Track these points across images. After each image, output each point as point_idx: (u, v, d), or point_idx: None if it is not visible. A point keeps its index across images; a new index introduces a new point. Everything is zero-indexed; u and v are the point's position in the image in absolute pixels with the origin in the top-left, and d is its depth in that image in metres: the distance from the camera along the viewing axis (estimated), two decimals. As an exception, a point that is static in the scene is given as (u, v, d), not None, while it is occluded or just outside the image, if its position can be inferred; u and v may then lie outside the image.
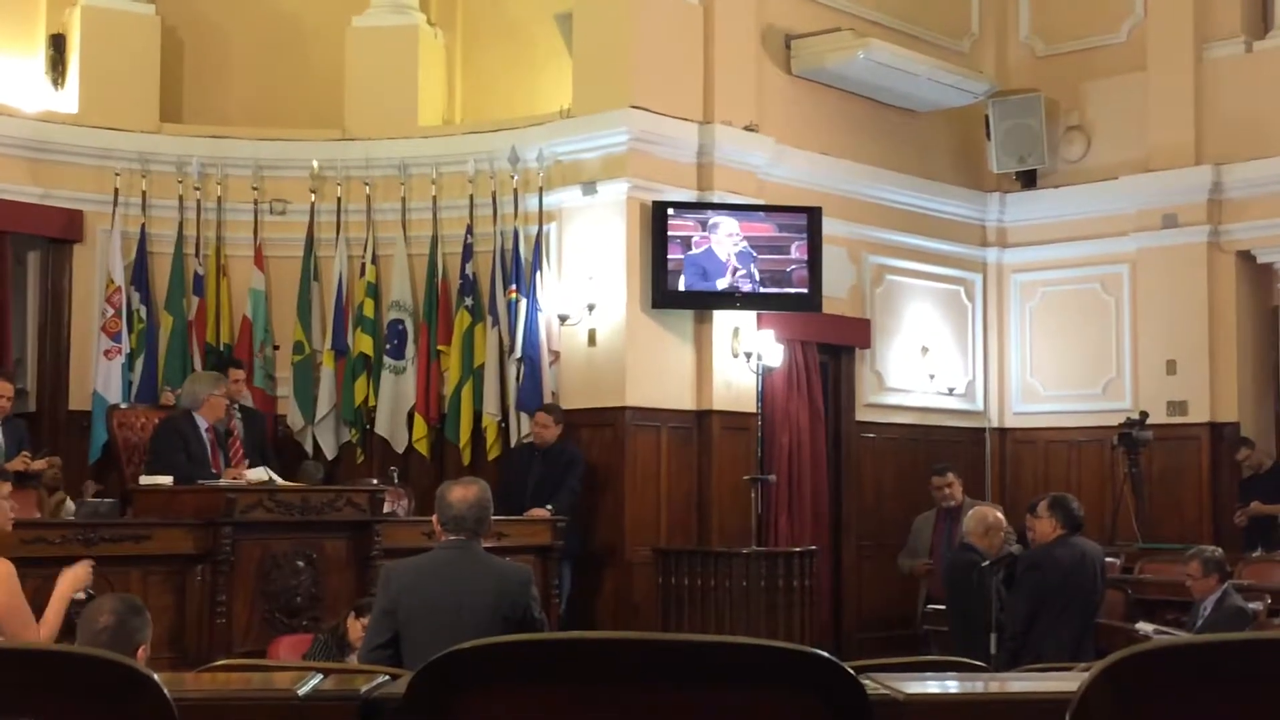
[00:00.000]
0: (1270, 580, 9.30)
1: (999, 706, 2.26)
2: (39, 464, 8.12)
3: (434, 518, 5.05)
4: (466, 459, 10.34)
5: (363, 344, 10.65)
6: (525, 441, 10.02)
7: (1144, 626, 7.35)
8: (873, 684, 2.28)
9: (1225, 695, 1.82)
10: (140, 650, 3.75)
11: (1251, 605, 7.90)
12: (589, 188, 10.31)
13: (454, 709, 1.74)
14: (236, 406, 9.21)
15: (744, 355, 10.62)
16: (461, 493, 5.01)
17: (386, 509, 8.55)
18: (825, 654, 1.81)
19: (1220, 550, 8.22)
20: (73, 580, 5.22)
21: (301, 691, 2.11)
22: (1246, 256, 11.81)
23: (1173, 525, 11.17)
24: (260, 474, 8.22)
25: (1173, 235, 11.91)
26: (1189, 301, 11.82)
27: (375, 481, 9.10)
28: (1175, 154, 11.93)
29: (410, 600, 4.83)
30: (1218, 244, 11.81)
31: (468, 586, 4.85)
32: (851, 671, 1.82)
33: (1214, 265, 11.80)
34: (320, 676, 2.29)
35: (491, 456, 10.34)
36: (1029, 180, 12.86)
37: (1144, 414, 11.30)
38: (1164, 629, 7.25)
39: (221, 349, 10.53)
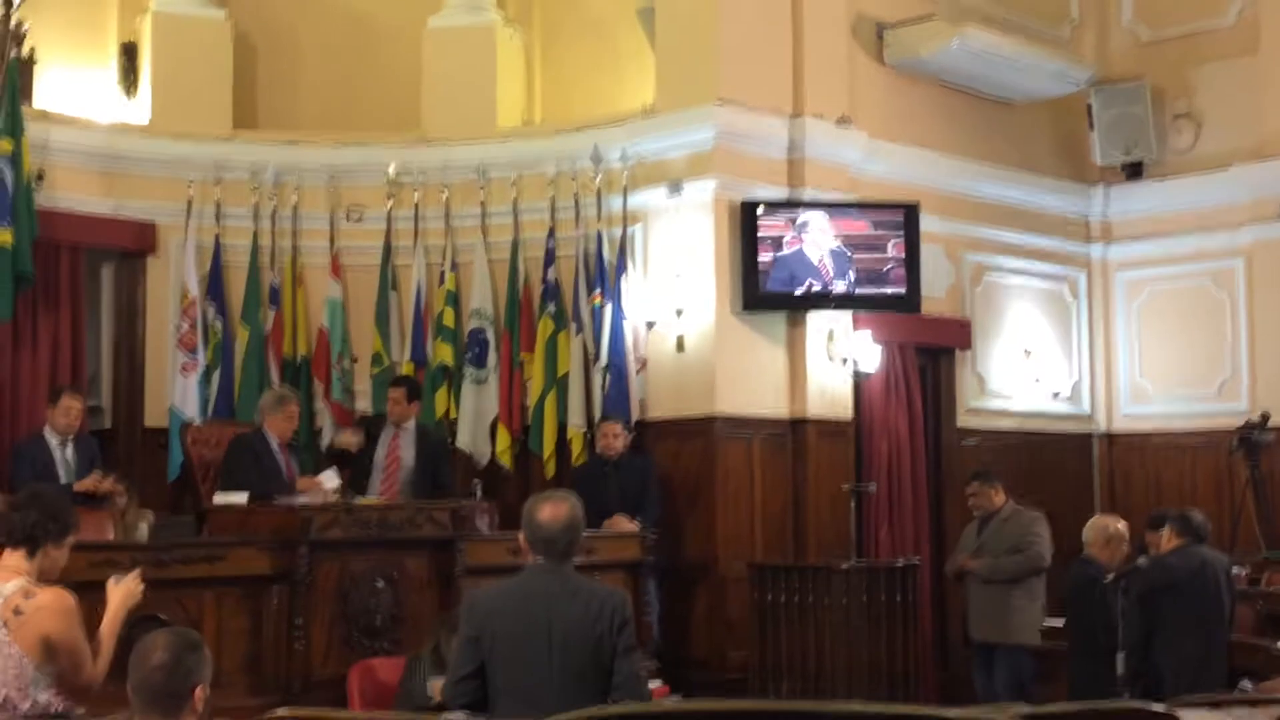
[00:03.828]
0: None
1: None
2: (108, 484, 7.81)
3: (520, 536, 4.65)
4: (551, 471, 9.97)
5: (443, 354, 10.30)
6: (596, 456, 9.60)
7: (1288, 647, 6.81)
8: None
9: None
10: (197, 690, 3.38)
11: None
12: (675, 187, 9.89)
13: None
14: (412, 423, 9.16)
15: (839, 359, 10.16)
16: (552, 511, 4.60)
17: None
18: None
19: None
20: (124, 597, 4.86)
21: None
22: (1370, 245, 11.18)
23: (1299, 532, 10.56)
24: (332, 477, 7.92)
25: (1289, 225, 11.30)
26: (1308, 296, 11.21)
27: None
28: (1291, 139, 11.32)
29: (496, 628, 4.43)
30: (1339, 233, 11.19)
31: (558, 613, 4.44)
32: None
33: (1335, 257, 11.18)
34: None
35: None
36: (1135, 172, 12.28)
37: (1265, 415, 10.69)
38: (1310, 648, 6.71)
39: (299, 362, 10.23)
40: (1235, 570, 9.13)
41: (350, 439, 9.22)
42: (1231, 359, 11.74)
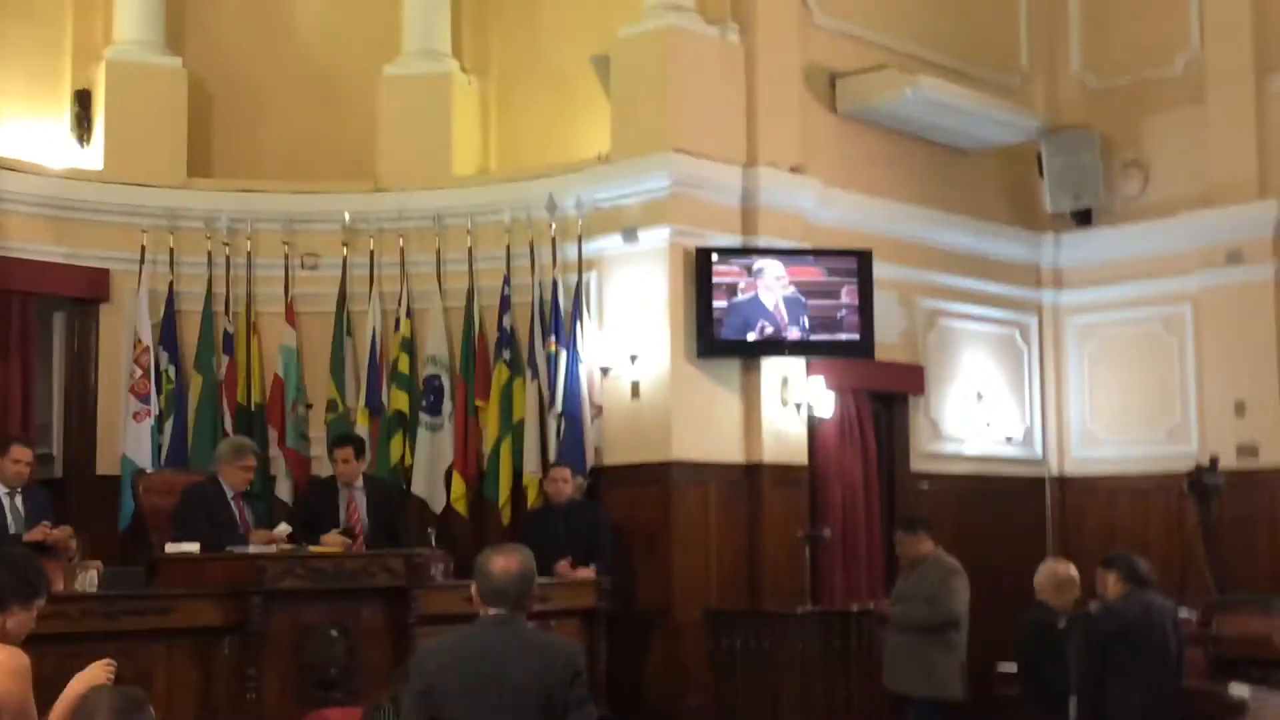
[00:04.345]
0: (1359, 633, 8.76)
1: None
2: (58, 533, 7.75)
3: (472, 587, 4.63)
4: (506, 518, 9.95)
5: (398, 401, 10.28)
6: (545, 502, 9.60)
7: (1238, 689, 6.86)
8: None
9: None
10: (144, 750, 3.35)
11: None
12: (630, 235, 9.95)
13: None
14: (362, 479, 8.97)
15: (794, 405, 10.20)
16: (504, 563, 4.58)
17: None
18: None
19: (1311, 603, 7.73)
20: (87, 683, 4.79)
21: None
22: (1316, 291, 11.32)
23: (1250, 575, 10.62)
24: (283, 529, 7.89)
25: (1237, 272, 11.42)
26: (1256, 340, 11.33)
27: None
28: (1238, 188, 11.46)
29: (447, 682, 4.39)
30: (1286, 279, 11.32)
31: (509, 666, 4.41)
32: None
33: (1282, 301, 11.31)
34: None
35: (533, 516, 9.93)
36: (1085, 219, 12.42)
37: (1214, 458, 10.77)
38: (1261, 691, 6.76)
39: (253, 409, 10.18)
40: (1186, 614, 9.21)
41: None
42: (1181, 403, 11.85)
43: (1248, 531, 11.03)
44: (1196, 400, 11.74)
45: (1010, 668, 8.49)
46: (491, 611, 4.57)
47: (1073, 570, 7.76)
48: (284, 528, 8.11)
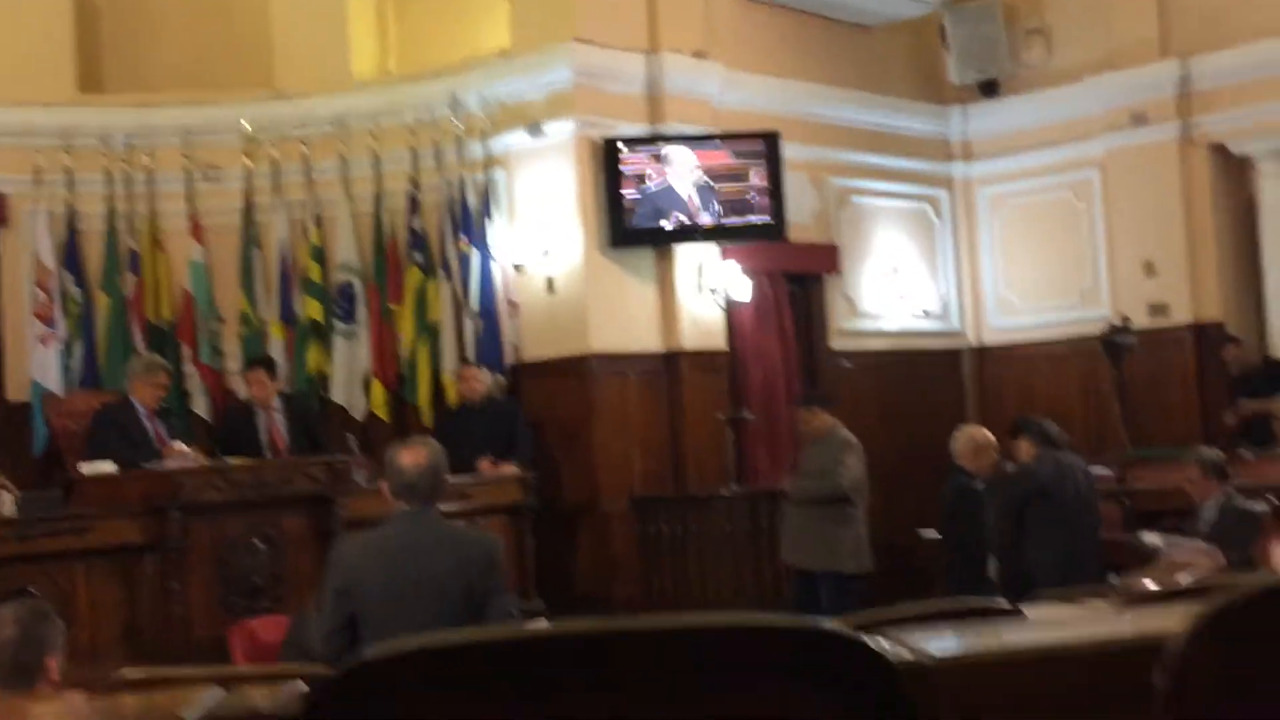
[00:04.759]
0: (1269, 479, 8.94)
1: (1047, 661, 1.85)
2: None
3: (382, 484, 4.62)
4: (428, 420, 9.91)
5: (311, 310, 10.18)
6: (460, 402, 9.57)
7: (1149, 537, 7.00)
8: (889, 643, 1.87)
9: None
10: (51, 661, 3.32)
11: (1256, 506, 7.55)
12: (535, 129, 9.84)
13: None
14: (278, 399, 8.83)
15: (710, 291, 10.20)
16: (412, 457, 4.57)
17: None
18: (830, 628, 1.39)
19: (1218, 451, 7.87)
20: None
21: (189, 718, 1.68)
22: (1220, 150, 11.41)
23: (1162, 430, 10.81)
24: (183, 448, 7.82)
25: (1143, 134, 11.49)
26: (1164, 200, 11.43)
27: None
28: (1140, 50, 11.49)
29: (364, 578, 4.40)
30: (1189, 139, 11.39)
31: (426, 560, 4.41)
32: (873, 646, 1.40)
33: (1187, 161, 11.39)
34: (220, 693, 1.85)
35: (456, 416, 9.91)
36: (990, 89, 12.42)
37: (1126, 319, 10.92)
38: (1170, 538, 6.90)
39: (165, 327, 10.04)
40: (1103, 471, 9.38)
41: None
42: (1092, 266, 11.96)
43: (1160, 388, 11.20)
44: (1107, 263, 11.85)
45: (933, 534, 8.63)
46: (404, 506, 4.56)
47: (989, 435, 7.86)
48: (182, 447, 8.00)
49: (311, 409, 9.48)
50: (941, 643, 1.92)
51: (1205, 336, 11.29)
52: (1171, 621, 1.50)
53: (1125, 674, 1.65)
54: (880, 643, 1.84)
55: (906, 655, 1.78)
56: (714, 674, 1.34)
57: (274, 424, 8.79)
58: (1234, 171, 11.55)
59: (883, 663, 1.41)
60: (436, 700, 1.32)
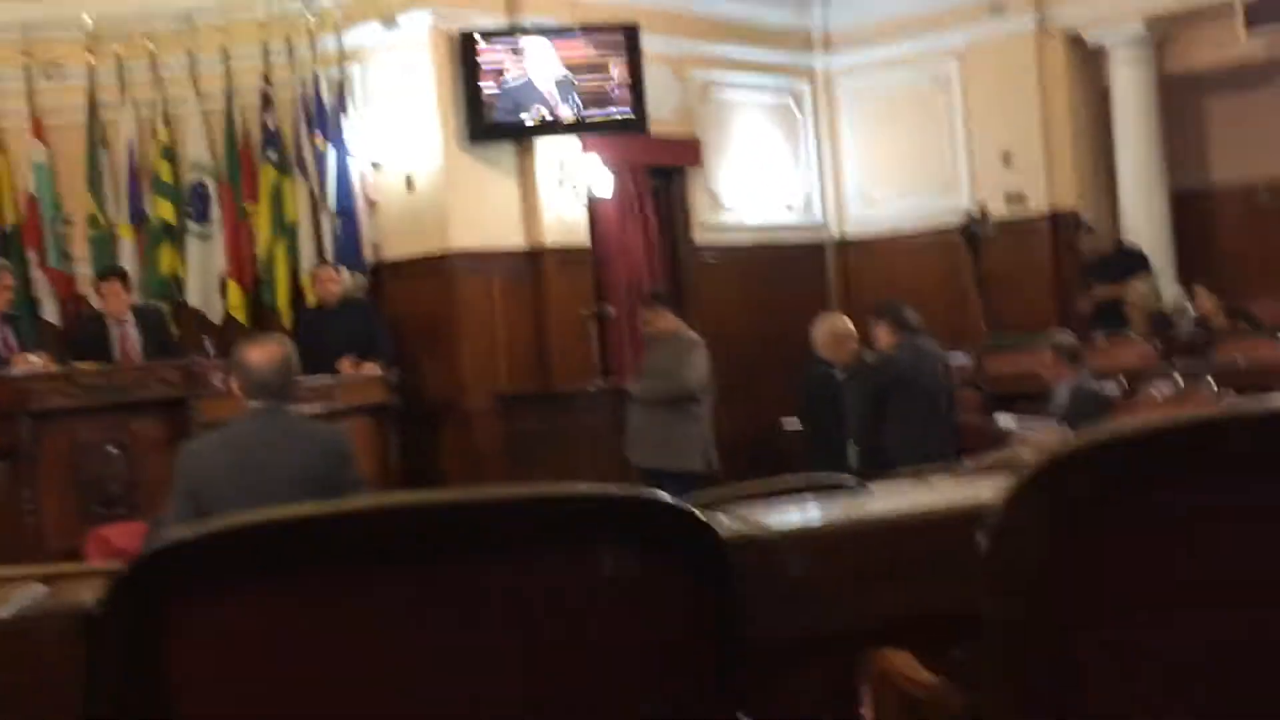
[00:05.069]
0: (1120, 362, 9.16)
1: (887, 530, 1.86)
2: None
3: (233, 382, 4.53)
4: (287, 322, 9.74)
5: (162, 210, 9.91)
6: (316, 303, 9.43)
7: (1003, 419, 7.14)
8: (731, 519, 1.86)
9: (1177, 488, 1.43)
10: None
11: (1107, 387, 7.73)
12: (389, 22, 9.64)
13: (171, 616, 1.27)
14: (130, 311, 8.53)
15: (571, 186, 10.12)
16: (261, 353, 4.48)
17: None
18: (656, 494, 1.37)
19: (1072, 336, 8.02)
20: None
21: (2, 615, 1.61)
22: (1075, 40, 11.52)
23: (1020, 317, 10.97)
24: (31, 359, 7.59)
25: (1000, 24, 11.56)
26: (1021, 90, 11.54)
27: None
28: (996, -62, 11.53)
29: (213, 478, 4.32)
30: (1045, 28, 11.49)
31: (277, 457, 4.35)
32: (695, 512, 1.38)
33: (1043, 50, 11.49)
34: (41, 590, 1.78)
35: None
36: (854, -20, 12.38)
37: (984, 209, 11.05)
38: (1024, 420, 7.04)
39: (8, 230, 9.72)
40: (961, 358, 9.53)
41: None
42: (951, 157, 12.05)
43: (1017, 276, 11.37)
44: (966, 154, 11.95)
45: (795, 423, 8.72)
46: (255, 404, 4.48)
47: (849, 324, 7.92)
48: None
49: (165, 322, 9.22)
50: (780, 517, 1.91)
51: (1061, 225, 11.47)
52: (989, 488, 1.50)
53: (955, 540, 1.65)
54: (713, 515, 1.83)
55: (742, 528, 1.76)
56: (540, 542, 1.31)
57: (127, 337, 8.55)
58: (1089, 61, 11.68)
59: (709, 532, 1.39)
60: (251, 581, 1.27)
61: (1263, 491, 1.49)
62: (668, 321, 8.46)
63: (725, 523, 1.86)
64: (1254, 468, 1.49)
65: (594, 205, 10.38)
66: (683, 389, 8.19)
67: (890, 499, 2.21)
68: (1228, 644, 1.50)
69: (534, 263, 9.97)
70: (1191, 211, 11.83)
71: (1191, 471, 1.43)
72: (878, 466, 6.74)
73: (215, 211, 9.97)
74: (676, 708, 1.46)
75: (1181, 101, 11.77)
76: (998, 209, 11.24)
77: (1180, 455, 1.46)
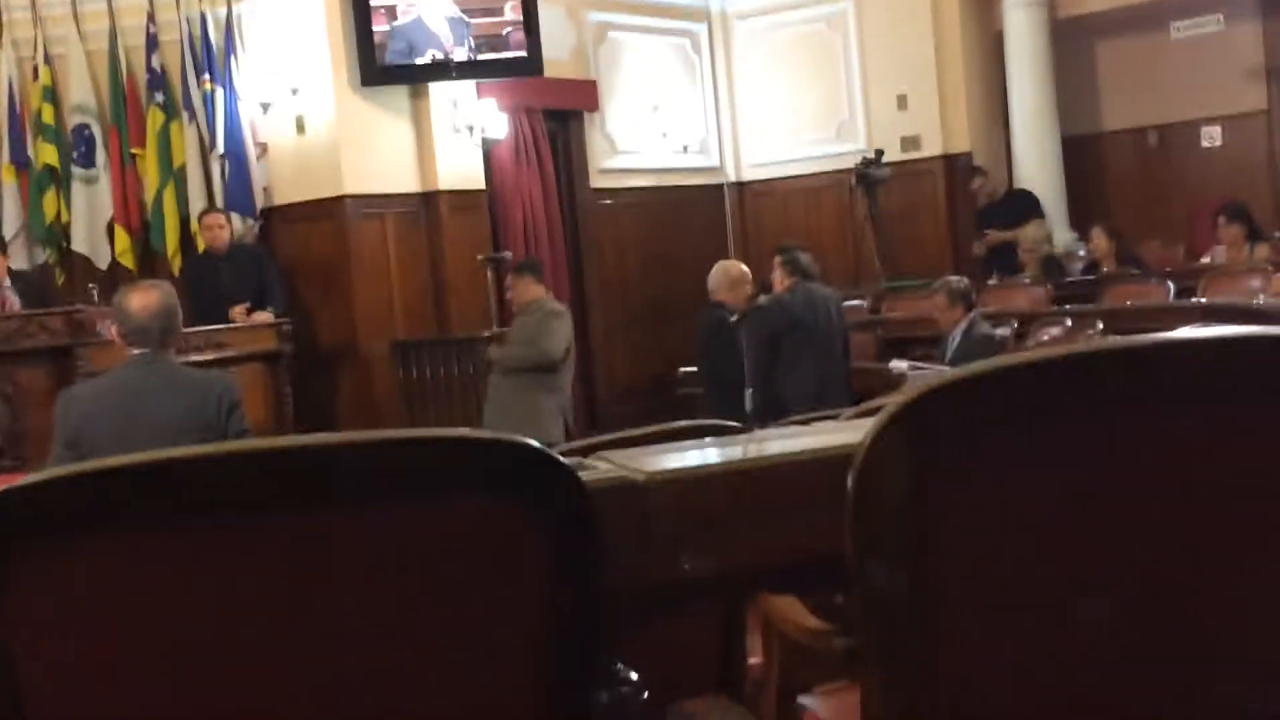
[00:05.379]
0: (1013, 305, 9.27)
1: (762, 474, 1.85)
2: None
3: (113, 329, 4.43)
4: (176, 268, 9.55)
5: (46, 154, 9.63)
6: (205, 250, 9.26)
7: (897, 364, 7.19)
8: (607, 465, 1.84)
9: (1039, 425, 1.42)
10: None
11: (999, 331, 7.81)
12: (277, -40, 9.43)
13: (8, 570, 1.22)
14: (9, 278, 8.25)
15: (466, 128, 10.00)
16: (142, 299, 4.38)
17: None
18: (513, 438, 1.34)
19: (965, 280, 8.09)
20: None
21: None
22: (969, -18, 11.57)
23: (915, 261, 11.07)
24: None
25: (895, -34, 11.58)
26: (915, 33, 11.57)
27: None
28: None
29: (93, 428, 4.23)
30: (940, -29, 11.52)
31: (161, 404, 4.26)
32: (554, 455, 1.36)
33: (938, -7, 11.53)
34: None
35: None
36: (750, -79, 12.33)
37: (879, 152, 11.09)
38: (917, 364, 7.10)
39: (-116, 174, 9.43)
40: (858, 302, 9.58)
41: None
42: (848, 100, 12.07)
43: (913, 220, 11.46)
44: (862, 97, 11.97)
45: (692, 369, 8.72)
46: (136, 352, 4.38)
47: (744, 268, 7.92)
48: None
49: (45, 288, 8.96)
50: (655, 460, 1.90)
51: (954, 168, 11.55)
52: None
53: (829, 480, 1.65)
54: (581, 460, 1.81)
55: (614, 472, 1.74)
56: (390, 489, 1.28)
57: (7, 299, 8.30)
58: (983, 5, 11.73)
59: (568, 475, 1.37)
60: (85, 532, 1.23)
61: (1125, 426, 1.49)
62: (532, 290, 8.27)
63: (599, 467, 1.84)
64: (1112, 403, 1.49)
65: (489, 149, 10.28)
66: (544, 357, 8.04)
67: (768, 442, 2.21)
68: (1093, 582, 1.51)
69: (429, 207, 9.86)
70: (1083, 155, 11.98)
71: (1053, 409, 1.43)
72: (774, 411, 6.77)
73: (101, 155, 9.73)
74: (545, 656, 1.44)
75: (1073, 46, 11.88)
76: (893, 152, 11.29)
77: (1041, 392, 1.46)
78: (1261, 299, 7.40)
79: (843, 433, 2.32)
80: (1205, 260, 9.68)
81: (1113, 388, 1.48)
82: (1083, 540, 1.48)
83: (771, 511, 1.86)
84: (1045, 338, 6.51)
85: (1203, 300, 7.81)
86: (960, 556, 1.41)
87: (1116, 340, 1.49)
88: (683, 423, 2.67)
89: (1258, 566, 1.55)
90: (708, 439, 2.39)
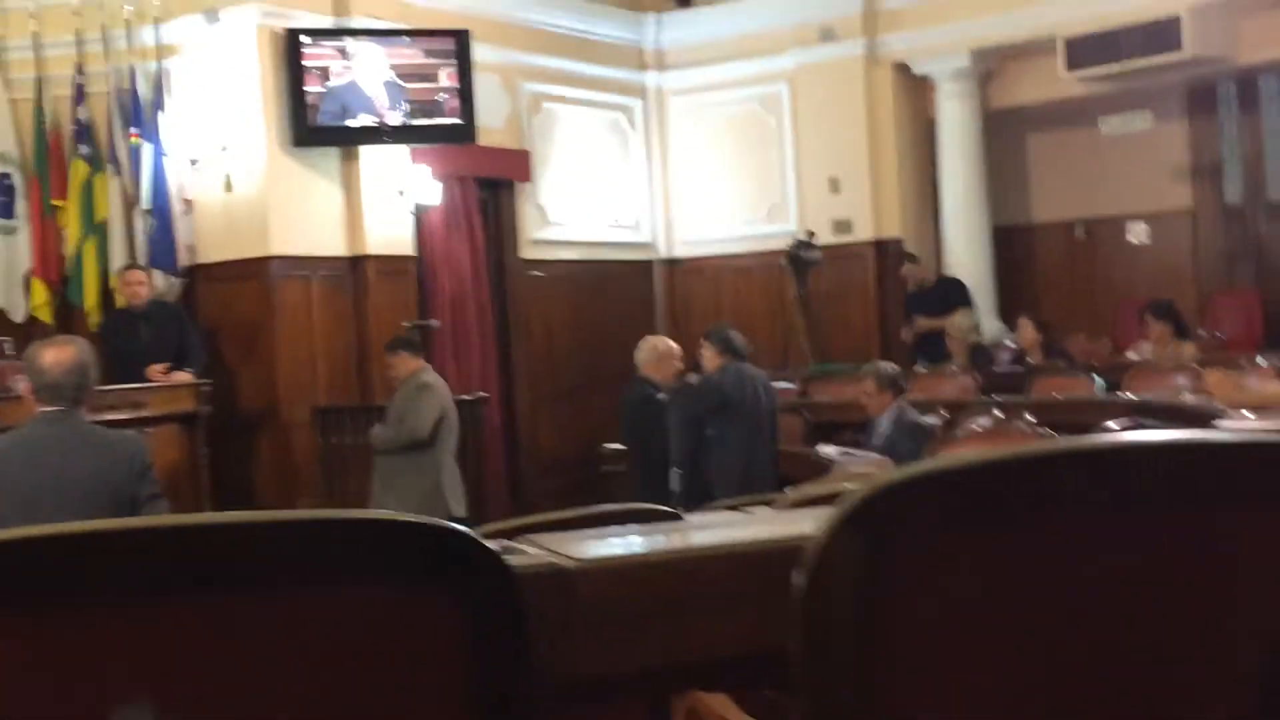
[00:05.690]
0: (940, 394, 9.24)
1: (698, 564, 1.75)
2: None
3: (23, 385, 4.27)
4: (95, 323, 9.36)
5: (-35, 203, 9.46)
6: (123, 307, 9.09)
7: (826, 449, 7.13)
8: (535, 549, 1.74)
9: (1002, 524, 1.35)
10: None
11: (927, 419, 7.77)
12: (211, 16, 9.36)
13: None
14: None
15: (398, 193, 9.91)
16: (56, 355, 4.23)
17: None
18: (436, 521, 1.24)
19: (894, 365, 8.06)
20: None
21: None
22: (903, 68, 11.65)
23: (843, 345, 11.07)
24: None
25: (830, 50, 11.64)
26: (849, 117, 11.63)
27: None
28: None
29: (1, 485, 4.06)
30: (874, 56, 11.59)
31: (70, 464, 4.11)
32: (477, 538, 1.26)
33: (871, 78, 11.60)
34: None
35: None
36: (685, -1, 12.41)
37: (811, 234, 11.10)
38: (846, 449, 7.04)
39: None
40: (786, 385, 9.54)
41: None
42: (781, 181, 12.10)
43: (842, 303, 11.46)
44: (795, 178, 12.00)
45: (617, 446, 8.62)
46: (47, 409, 4.23)
47: (672, 344, 7.86)
48: None
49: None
50: (585, 546, 1.80)
51: (885, 253, 11.58)
52: (807, 523, 1.42)
53: (769, 574, 1.56)
54: (508, 544, 1.70)
55: (542, 557, 1.64)
56: (302, 570, 1.17)
57: None
58: (916, 91, 11.82)
59: (493, 559, 1.27)
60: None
61: (1089, 527, 1.42)
62: (407, 365, 8.23)
63: (526, 551, 1.74)
64: (1076, 504, 1.42)
65: (420, 215, 10.19)
66: (411, 435, 7.96)
67: (705, 530, 2.11)
68: (1052, 689, 1.43)
69: (356, 271, 9.75)
70: (1012, 246, 12.08)
71: (1014, 507, 1.36)
72: (699, 493, 6.69)
73: (21, 206, 9.54)
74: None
75: (1004, 136, 12.00)
76: (825, 235, 11.30)
77: (1003, 490, 1.39)
78: (1188, 396, 7.42)
79: (780, 523, 2.24)
80: (1131, 355, 9.73)
81: (1076, 489, 1.41)
82: (1042, 645, 1.40)
83: (706, 604, 1.77)
84: (975, 427, 6.46)
85: (1131, 396, 7.82)
86: (913, 657, 1.33)
87: (1080, 441, 1.42)
88: (613, 506, 2.57)
89: (1200, 678, 1.49)
90: (639, 525, 2.30)
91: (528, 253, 11.39)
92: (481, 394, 9.63)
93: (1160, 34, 10.25)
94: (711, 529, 2.10)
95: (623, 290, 12.06)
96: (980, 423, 7.03)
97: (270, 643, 1.17)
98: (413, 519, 1.21)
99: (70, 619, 1.15)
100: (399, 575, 1.21)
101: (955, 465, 1.36)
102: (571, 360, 11.35)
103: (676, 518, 2.54)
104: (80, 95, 9.51)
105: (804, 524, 1.72)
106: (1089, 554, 1.42)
